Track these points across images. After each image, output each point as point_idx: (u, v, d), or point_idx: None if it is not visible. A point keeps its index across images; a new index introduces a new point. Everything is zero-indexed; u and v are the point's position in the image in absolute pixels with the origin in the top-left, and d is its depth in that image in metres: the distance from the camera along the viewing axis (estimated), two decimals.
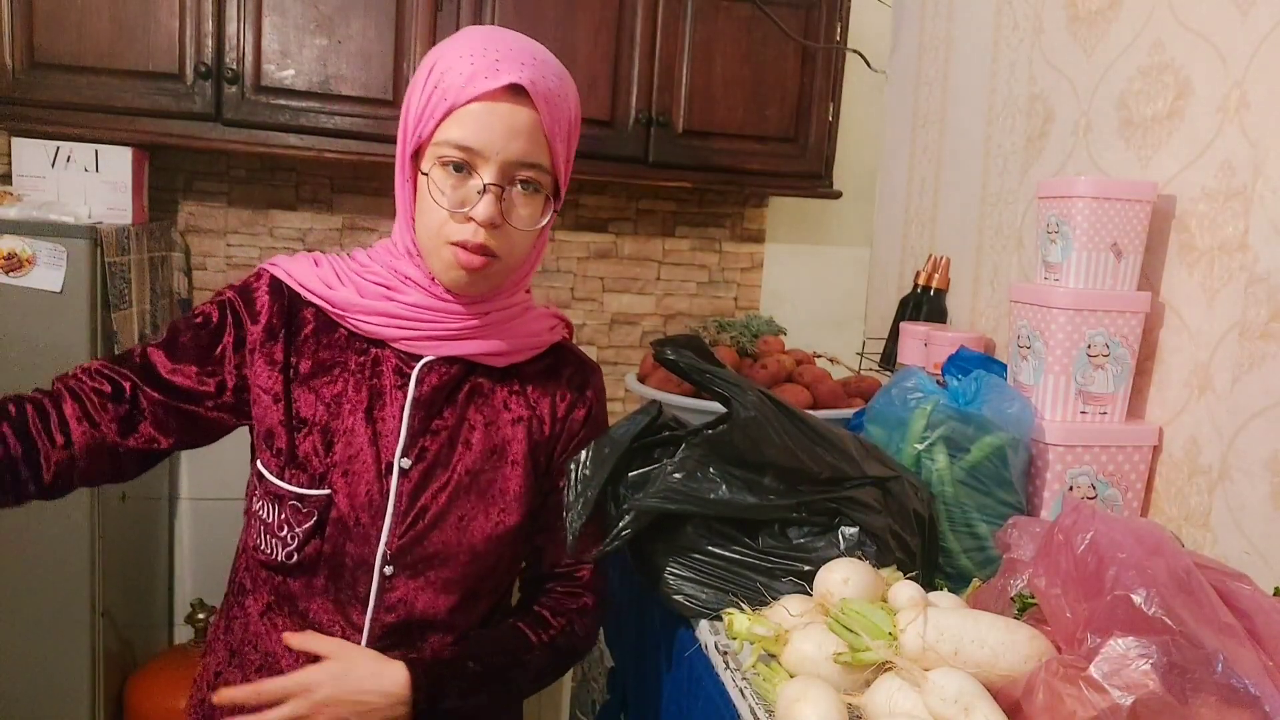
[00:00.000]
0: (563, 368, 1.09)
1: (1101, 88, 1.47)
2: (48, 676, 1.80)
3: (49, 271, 1.71)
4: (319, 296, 0.99)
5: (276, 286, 1.00)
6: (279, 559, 0.97)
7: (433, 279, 0.98)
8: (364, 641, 0.99)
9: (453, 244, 0.93)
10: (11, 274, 1.70)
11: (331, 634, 0.99)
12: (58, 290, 1.72)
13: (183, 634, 2.23)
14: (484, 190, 0.92)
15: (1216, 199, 1.23)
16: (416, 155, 0.96)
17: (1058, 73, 1.59)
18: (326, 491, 0.96)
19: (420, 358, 1.00)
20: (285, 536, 0.97)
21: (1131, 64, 1.40)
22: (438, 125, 0.92)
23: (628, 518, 1.06)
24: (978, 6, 1.88)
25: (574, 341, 1.15)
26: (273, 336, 0.99)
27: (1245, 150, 1.19)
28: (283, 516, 0.97)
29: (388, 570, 0.98)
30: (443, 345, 1.00)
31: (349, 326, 0.99)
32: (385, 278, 0.99)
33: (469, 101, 0.90)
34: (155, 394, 0.96)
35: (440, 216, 0.93)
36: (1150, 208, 1.30)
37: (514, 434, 1.04)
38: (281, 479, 0.97)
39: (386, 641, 0.99)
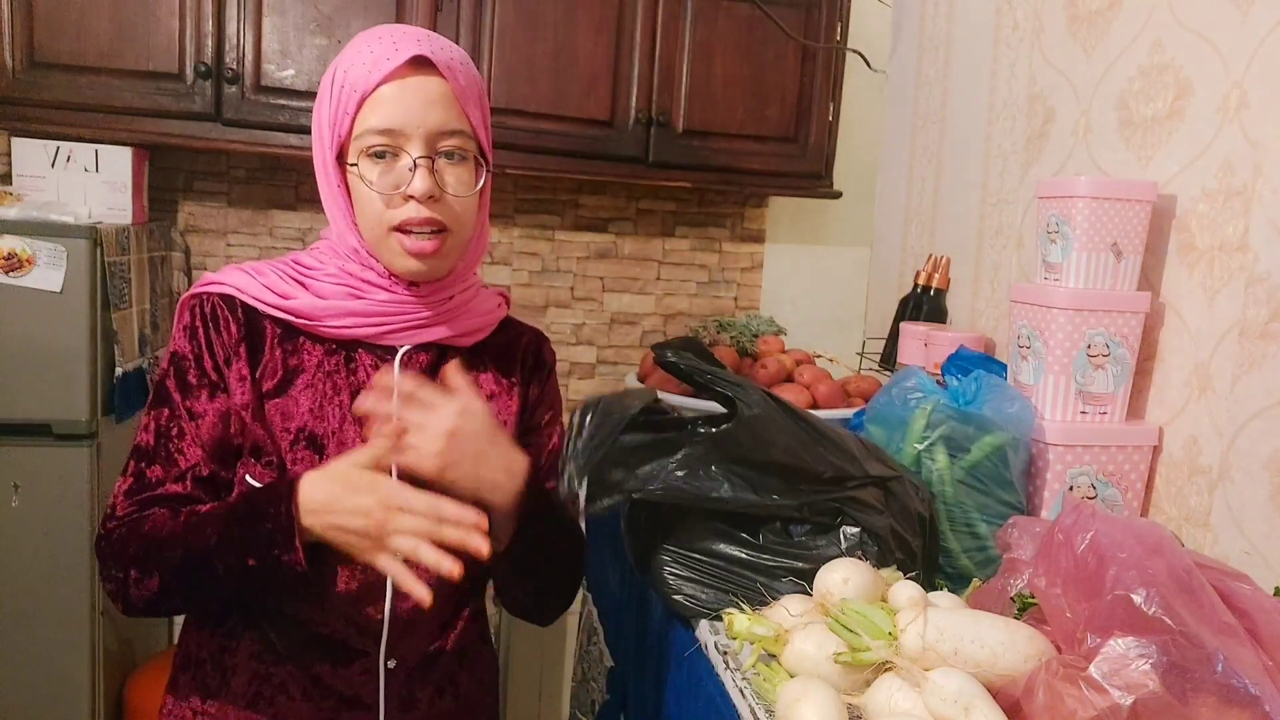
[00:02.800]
0: (519, 339, 1.12)
1: (1101, 88, 1.47)
2: (48, 676, 1.80)
3: (49, 271, 1.71)
4: (279, 309, 0.97)
5: (230, 302, 0.98)
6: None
7: (391, 278, 0.98)
8: (385, 634, 0.98)
9: (396, 229, 0.94)
10: (11, 274, 1.70)
11: (346, 633, 0.98)
12: (58, 290, 1.72)
13: None
14: (414, 166, 0.93)
15: (1216, 199, 1.23)
16: (340, 158, 0.96)
17: (1058, 73, 1.59)
18: None
19: (393, 350, 1.00)
20: None
21: (1131, 64, 1.40)
22: (353, 119, 0.93)
23: (634, 497, 1.06)
24: (978, 6, 1.88)
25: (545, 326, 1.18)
26: (238, 354, 0.97)
27: (1245, 150, 1.19)
28: None
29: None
30: (418, 333, 1.01)
31: (318, 334, 0.98)
32: (344, 279, 0.99)
33: (378, 85, 0.92)
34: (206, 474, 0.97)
35: (378, 205, 0.94)
36: (1150, 208, 1.30)
37: (492, 408, 1.05)
38: None
39: (406, 629, 1.00)
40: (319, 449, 0.97)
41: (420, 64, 0.93)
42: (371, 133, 0.92)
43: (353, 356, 1.00)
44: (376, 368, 1.00)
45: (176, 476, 0.95)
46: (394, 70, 0.91)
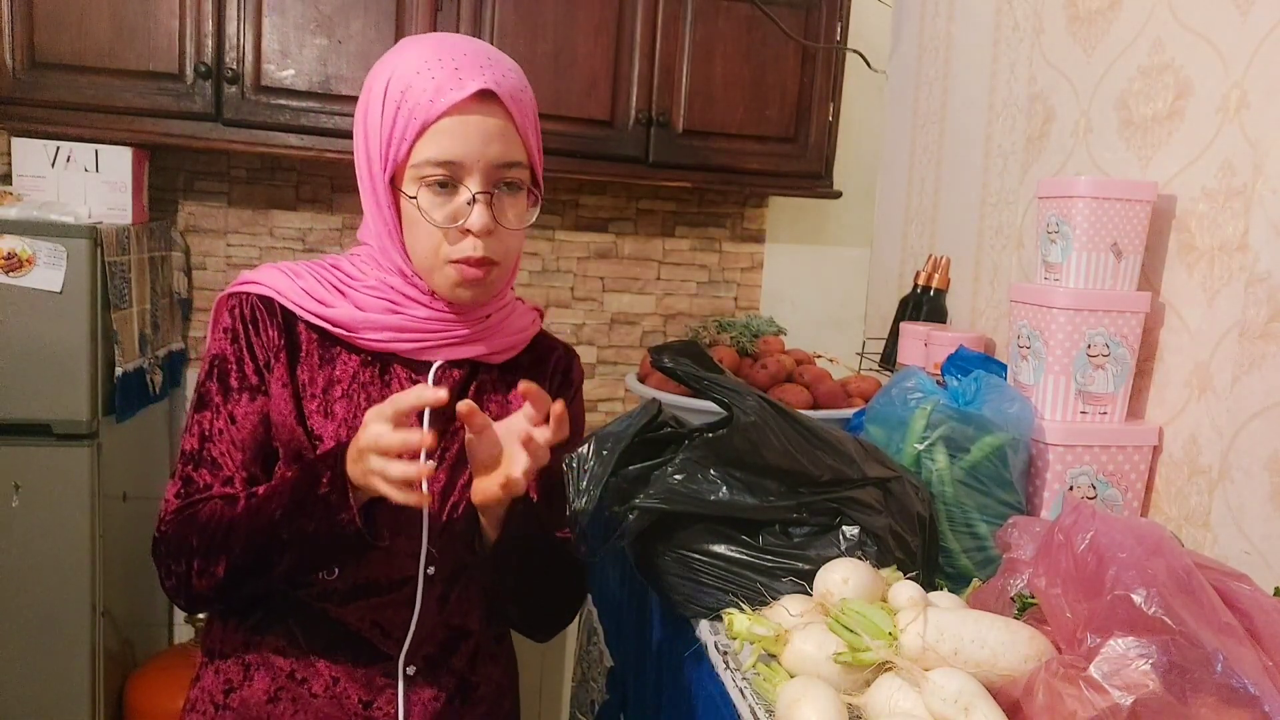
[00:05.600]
0: (549, 356, 1.12)
1: (1101, 88, 1.47)
2: (48, 676, 1.80)
3: (49, 271, 1.71)
4: (318, 316, 0.97)
5: (269, 305, 0.98)
6: (319, 574, 0.97)
7: (432, 295, 0.98)
8: (408, 640, 0.98)
9: (453, 262, 0.94)
10: (11, 274, 1.70)
11: (371, 635, 0.98)
12: (58, 290, 1.72)
13: (183, 633, 2.23)
14: (473, 200, 0.92)
15: (1216, 199, 1.23)
16: (392, 180, 0.95)
17: (1058, 73, 1.59)
18: None
19: (428, 364, 1.00)
20: None
21: (1131, 64, 1.40)
22: (412, 146, 0.92)
23: (631, 517, 1.06)
24: (978, 6, 1.88)
25: (546, 329, 1.17)
26: (278, 359, 0.97)
27: (1245, 150, 1.19)
28: None
29: (430, 571, 0.99)
30: (453, 350, 1.01)
31: (354, 344, 0.98)
32: (384, 291, 0.98)
33: (440, 116, 0.90)
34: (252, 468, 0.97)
35: (435, 237, 0.93)
36: (1150, 208, 1.30)
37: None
38: None
39: (430, 641, 1.00)
40: None
41: (484, 96, 0.91)
42: (431, 164, 0.91)
43: (387, 369, 1.00)
44: (412, 381, 1.00)
45: (225, 480, 0.95)
46: (457, 103, 0.90)
